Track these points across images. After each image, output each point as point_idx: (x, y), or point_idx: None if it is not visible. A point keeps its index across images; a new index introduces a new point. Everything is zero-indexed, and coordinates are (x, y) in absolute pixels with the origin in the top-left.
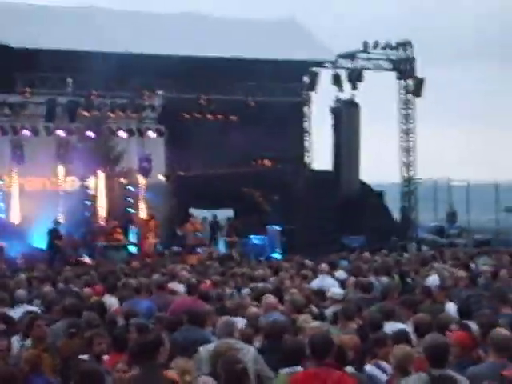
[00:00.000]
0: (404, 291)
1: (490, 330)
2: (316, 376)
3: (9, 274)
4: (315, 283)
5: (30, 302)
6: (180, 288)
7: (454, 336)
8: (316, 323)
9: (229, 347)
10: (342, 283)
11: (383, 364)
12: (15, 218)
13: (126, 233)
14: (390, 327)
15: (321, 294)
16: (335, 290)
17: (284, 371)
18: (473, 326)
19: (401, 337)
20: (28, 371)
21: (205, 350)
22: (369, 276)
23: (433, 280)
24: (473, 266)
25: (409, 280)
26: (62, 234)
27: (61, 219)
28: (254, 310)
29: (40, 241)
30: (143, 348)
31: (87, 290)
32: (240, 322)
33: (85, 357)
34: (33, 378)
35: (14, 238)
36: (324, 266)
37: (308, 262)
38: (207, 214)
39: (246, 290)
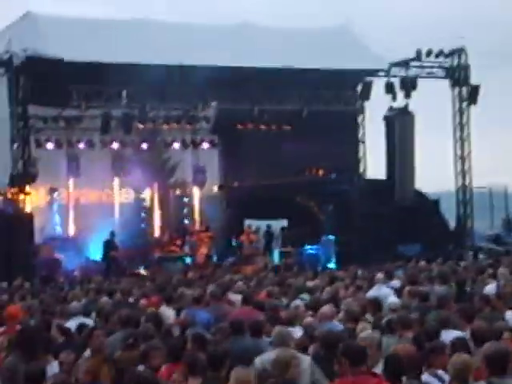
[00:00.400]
0: (461, 300)
1: None
2: None
3: (66, 287)
4: (371, 293)
5: (86, 314)
6: (236, 298)
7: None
8: (368, 332)
9: (291, 356)
10: (398, 292)
11: (440, 372)
12: (71, 230)
13: (181, 244)
14: (447, 335)
15: (377, 303)
16: (392, 299)
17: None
18: None
19: (459, 345)
20: (88, 382)
21: (260, 360)
22: (425, 285)
23: (490, 288)
24: None
25: (466, 288)
26: (118, 246)
27: (116, 230)
28: (309, 319)
29: (96, 253)
30: (210, 360)
31: (143, 301)
32: (296, 332)
33: (141, 368)
34: None
35: (70, 251)
36: (380, 275)
37: (363, 272)
38: (262, 224)
39: (301, 301)
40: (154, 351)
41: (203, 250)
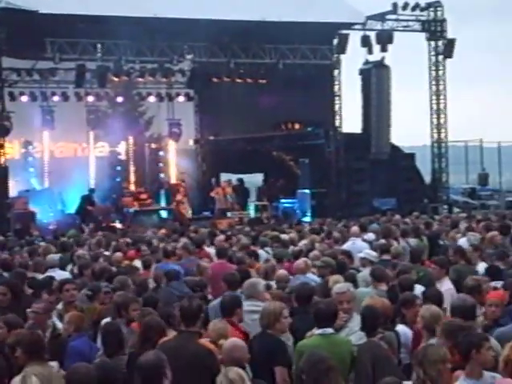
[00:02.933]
0: (435, 253)
1: None
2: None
3: (41, 240)
4: (346, 246)
5: (62, 267)
6: (211, 252)
7: (495, 294)
8: (343, 284)
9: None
10: (373, 246)
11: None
12: (46, 183)
13: (156, 198)
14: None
15: (348, 256)
16: (370, 251)
17: (317, 332)
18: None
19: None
20: (72, 331)
21: None
22: (398, 238)
23: (463, 242)
24: None
25: (440, 242)
26: (95, 202)
27: (91, 184)
28: (283, 272)
29: (71, 206)
30: (184, 314)
31: (118, 254)
32: (271, 285)
33: (108, 319)
34: (76, 338)
35: (45, 204)
36: (354, 228)
37: (338, 225)
38: (237, 178)
39: (276, 253)
40: (131, 303)
41: (181, 204)
